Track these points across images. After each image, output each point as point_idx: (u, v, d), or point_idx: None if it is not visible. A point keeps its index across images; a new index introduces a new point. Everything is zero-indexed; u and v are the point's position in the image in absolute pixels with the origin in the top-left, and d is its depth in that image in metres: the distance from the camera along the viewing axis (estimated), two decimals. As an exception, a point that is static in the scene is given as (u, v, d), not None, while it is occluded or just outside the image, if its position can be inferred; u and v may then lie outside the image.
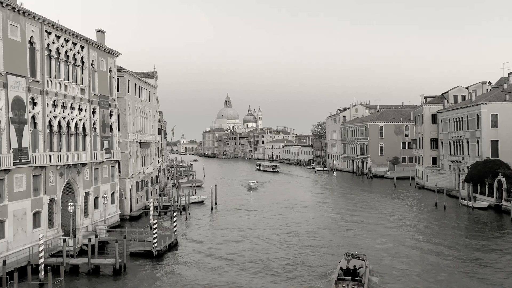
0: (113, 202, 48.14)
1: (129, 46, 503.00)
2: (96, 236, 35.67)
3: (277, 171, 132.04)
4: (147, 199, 60.64)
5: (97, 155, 43.61)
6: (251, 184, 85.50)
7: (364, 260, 30.05)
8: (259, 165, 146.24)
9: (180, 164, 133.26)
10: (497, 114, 62.36)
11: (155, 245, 35.58)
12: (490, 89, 73.52)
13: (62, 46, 38.53)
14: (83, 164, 40.94)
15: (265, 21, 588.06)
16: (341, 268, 28.55)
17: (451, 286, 28.12)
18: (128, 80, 55.08)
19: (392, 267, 32.07)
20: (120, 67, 52.65)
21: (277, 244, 39.41)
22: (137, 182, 57.17)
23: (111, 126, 47.94)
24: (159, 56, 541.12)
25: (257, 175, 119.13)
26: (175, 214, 41.55)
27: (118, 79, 51.50)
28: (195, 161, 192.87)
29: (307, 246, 38.59)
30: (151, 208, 45.48)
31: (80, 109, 41.27)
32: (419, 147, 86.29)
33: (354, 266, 28.84)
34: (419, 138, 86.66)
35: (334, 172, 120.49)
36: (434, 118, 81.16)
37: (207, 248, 38.56)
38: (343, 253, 32.20)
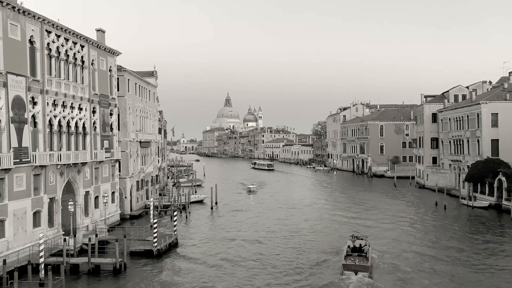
0: (113, 201, 48.15)
1: (129, 46, 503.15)
2: (96, 235, 35.76)
3: (272, 169, 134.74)
4: (147, 198, 60.64)
5: (97, 155, 43.61)
6: (251, 186, 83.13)
7: (366, 241, 34.47)
8: (254, 163, 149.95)
9: (180, 163, 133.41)
10: (497, 114, 62.43)
11: (155, 244, 35.59)
12: (491, 89, 73.57)
13: (62, 45, 38.52)
14: (83, 164, 40.94)
15: (266, 21, 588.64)
16: (348, 247, 33.26)
17: (451, 285, 28.11)
18: (128, 79, 55.05)
19: (393, 267, 32.07)
20: (120, 66, 52.60)
21: (278, 243, 39.35)
22: (137, 182, 57.16)
23: (111, 125, 47.93)
24: (159, 56, 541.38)
25: (252, 174, 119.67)
26: (175, 213, 41.50)
27: (118, 78, 51.47)
28: (197, 160, 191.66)
29: (309, 243, 38.58)
30: (151, 208, 45.45)
31: (80, 109, 41.26)
32: (420, 147, 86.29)
33: (360, 244, 33.50)
34: (420, 138, 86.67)
35: (335, 172, 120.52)
36: (434, 117, 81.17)
37: (207, 247, 38.56)
38: (349, 235, 36.95)
